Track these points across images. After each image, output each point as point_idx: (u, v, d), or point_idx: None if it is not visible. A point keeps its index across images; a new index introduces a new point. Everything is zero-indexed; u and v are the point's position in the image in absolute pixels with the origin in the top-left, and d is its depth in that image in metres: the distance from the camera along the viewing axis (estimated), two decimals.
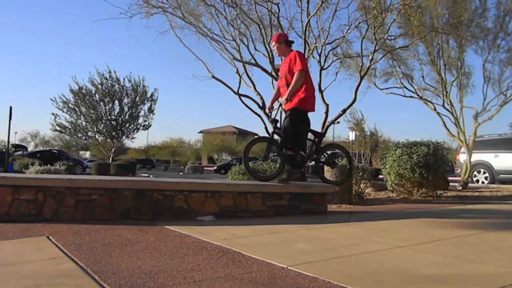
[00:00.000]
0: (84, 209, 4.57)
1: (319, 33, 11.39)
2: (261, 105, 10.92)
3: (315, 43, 11.08)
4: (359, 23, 11.02)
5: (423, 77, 15.58)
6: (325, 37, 11.19)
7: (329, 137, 44.76)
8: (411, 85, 15.57)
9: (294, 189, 5.55)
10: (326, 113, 10.50)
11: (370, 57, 11.12)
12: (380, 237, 3.92)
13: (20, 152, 30.07)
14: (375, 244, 3.60)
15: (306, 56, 10.55)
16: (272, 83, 11.48)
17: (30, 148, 55.14)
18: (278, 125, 5.73)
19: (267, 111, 6.06)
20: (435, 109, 15.12)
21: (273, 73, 11.00)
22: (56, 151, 33.37)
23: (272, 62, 11.08)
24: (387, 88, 15.70)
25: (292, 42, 6.10)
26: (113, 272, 2.62)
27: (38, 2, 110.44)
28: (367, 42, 11.84)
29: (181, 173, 36.92)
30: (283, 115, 5.81)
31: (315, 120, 10.93)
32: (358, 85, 10.90)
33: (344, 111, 11.00)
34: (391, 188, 9.15)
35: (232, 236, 3.87)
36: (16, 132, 62.32)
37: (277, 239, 3.87)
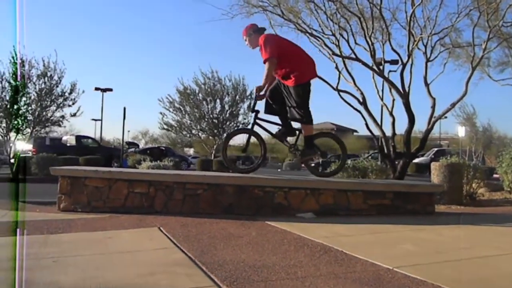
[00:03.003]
0: (190, 203, 4.84)
1: (425, 23, 10.72)
2: (361, 100, 10.57)
3: (421, 34, 10.43)
4: (470, 10, 10.15)
5: None
6: (432, 27, 10.50)
7: (435, 133, 42.04)
8: None
9: (398, 188, 5.34)
10: (433, 107, 9.87)
11: (483, 46, 10.17)
12: (496, 242, 3.60)
13: (132, 149, 32.70)
14: (490, 248, 3.31)
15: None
16: (373, 77, 11.08)
17: (141, 145, 59.67)
18: (259, 115, 5.45)
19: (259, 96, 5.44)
20: None
21: (374, 67, 10.60)
22: (164, 148, 35.77)
23: (373, 55, 10.68)
24: (503, 80, 14.24)
25: (264, 29, 5.62)
26: (219, 264, 2.73)
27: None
28: (479, 30, 10.86)
29: (279, 170, 37.33)
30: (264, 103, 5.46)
31: (421, 115, 10.35)
32: (470, 77, 10.04)
33: (453, 105, 10.24)
34: (508, 189, 8.37)
35: (333, 234, 3.82)
36: (129, 131, 67.45)
37: (380, 239, 3.74)
